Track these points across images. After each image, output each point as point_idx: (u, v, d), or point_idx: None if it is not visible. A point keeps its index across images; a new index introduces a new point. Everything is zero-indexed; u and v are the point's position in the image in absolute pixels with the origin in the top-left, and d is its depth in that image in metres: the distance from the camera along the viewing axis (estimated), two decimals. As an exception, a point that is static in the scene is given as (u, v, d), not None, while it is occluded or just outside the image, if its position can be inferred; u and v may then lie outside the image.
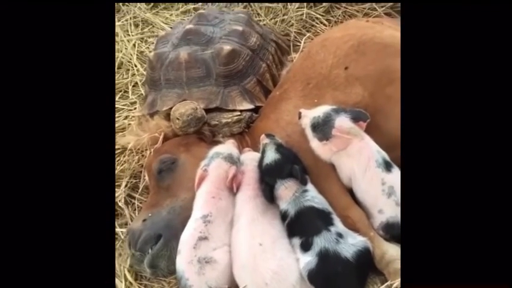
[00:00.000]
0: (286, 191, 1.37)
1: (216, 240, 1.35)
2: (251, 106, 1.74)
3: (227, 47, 1.76)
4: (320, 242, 1.26)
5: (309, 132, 1.46)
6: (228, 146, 1.55)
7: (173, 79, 1.77)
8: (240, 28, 1.88)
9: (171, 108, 1.69)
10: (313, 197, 1.36)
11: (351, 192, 1.43)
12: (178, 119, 1.62)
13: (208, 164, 1.48)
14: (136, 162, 1.75)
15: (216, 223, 1.37)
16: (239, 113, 1.70)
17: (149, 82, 1.86)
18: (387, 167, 1.36)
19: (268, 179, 1.40)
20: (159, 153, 1.61)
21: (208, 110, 1.71)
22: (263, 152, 1.45)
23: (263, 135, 1.51)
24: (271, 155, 1.42)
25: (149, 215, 1.47)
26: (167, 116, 1.73)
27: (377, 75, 1.51)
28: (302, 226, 1.32)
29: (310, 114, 1.46)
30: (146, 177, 1.65)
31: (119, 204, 1.65)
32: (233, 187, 1.43)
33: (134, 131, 1.74)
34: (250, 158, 1.51)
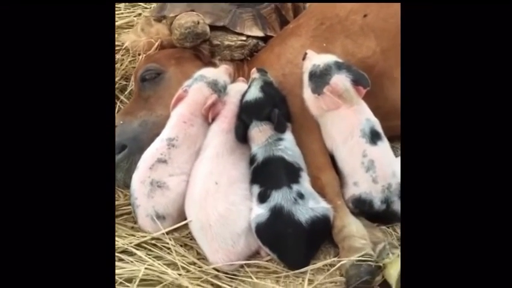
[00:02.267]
0: (259, 134, 1.25)
1: (175, 167, 1.26)
2: (261, 34, 1.58)
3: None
4: (277, 197, 1.16)
5: (305, 79, 1.31)
6: (218, 72, 1.41)
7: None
8: None
9: (177, 15, 1.55)
10: (287, 148, 1.23)
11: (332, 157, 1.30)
12: (176, 29, 1.49)
13: (189, 85, 1.36)
14: (129, 64, 1.66)
15: (180, 149, 1.28)
16: (245, 38, 1.55)
17: None
18: (373, 138, 1.22)
19: (244, 117, 1.28)
20: (149, 60, 1.50)
21: (213, 28, 1.55)
22: (248, 87, 1.32)
23: (254, 69, 1.37)
24: (254, 92, 1.29)
25: (121, 122, 1.39)
26: (170, 25, 1.61)
27: (395, 31, 1.31)
28: (265, 175, 1.21)
29: (313, 60, 1.30)
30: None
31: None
32: (208, 116, 1.32)
33: (137, 32, 1.63)
34: (236, 90, 1.38)
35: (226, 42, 1.54)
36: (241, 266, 1.19)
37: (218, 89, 1.36)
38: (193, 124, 1.31)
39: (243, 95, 1.31)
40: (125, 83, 1.65)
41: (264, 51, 1.54)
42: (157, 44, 1.55)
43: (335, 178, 1.26)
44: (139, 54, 1.64)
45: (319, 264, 1.18)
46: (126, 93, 1.62)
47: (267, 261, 1.21)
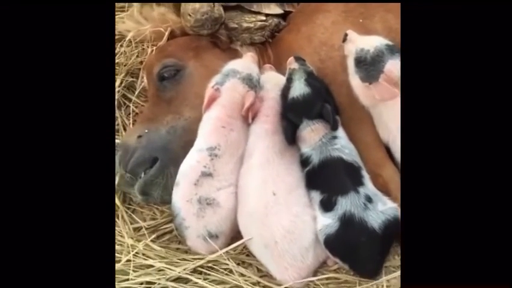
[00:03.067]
0: (312, 134, 1.14)
1: (221, 179, 1.14)
2: (280, 11, 1.42)
3: None
4: (346, 204, 1.06)
5: (351, 65, 1.17)
6: (249, 63, 1.26)
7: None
8: None
9: None
10: (344, 147, 1.13)
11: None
12: (190, 15, 1.31)
13: (221, 82, 1.21)
14: (136, 57, 1.47)
15: (223, 158, 1.15)
16: (264, 18, 1.39)
17: None
18: None
19: (291, 116, 1.15)
20: (163, 54, 1.33)
21: (227, 8, 1.38)
22: (290, 81, 1.18)
23: (291, 58, 1.22)
24: (299, 87, 1.15)
25: (146, 131, 1.23)
26: (177, 9, 1.43)
27: None
28: (326, 180, 1.11)
29: (359, 43, 1.17)
30: (145, 80, 1.39)
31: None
32: (249, 117, 1.19)
33: (135, 17, 1.43)
34: (273, 83, 1.24)
35: (245, 24, 1.38)
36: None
37: (253, 84, 1.22)
38: (233, 128, 1.18)
39: (285, 90, 1.18)
40: (132, 79, 1.46)
41: (288, 32, 1.38)
42: (167, 32, 1.37)
43: (396, 172, 1.16)
44: (142, 45, 1.46)
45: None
46: (137, 92, 1.44)
47: (335, 270, 1.13)
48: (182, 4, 1.34)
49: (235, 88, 1.20)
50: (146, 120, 1.27)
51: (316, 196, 1.11)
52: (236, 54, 1.35)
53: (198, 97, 1.24)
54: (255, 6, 1.40)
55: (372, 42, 1.16)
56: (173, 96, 1.28)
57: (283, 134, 1.16)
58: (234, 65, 1.24)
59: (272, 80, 1.25)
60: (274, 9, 1.42)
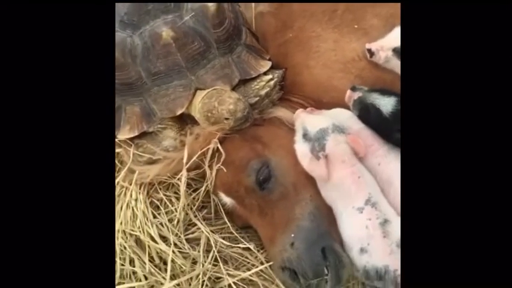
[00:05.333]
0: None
1: (392, 217, 1.16)
2: (269, 63, 1.43)
3: (210, 4, 1.34)
4: None
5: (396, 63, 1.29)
6: (313, 117, 1.27)
7: (165, 69, 1.30)
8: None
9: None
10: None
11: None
12: (228, 118, 1.24)
13: (321, 146, 1.19)
14: (188, 205, 1.29)
15: (380, 200, 1.18)
16: (270, 76, 1.39)
17: (121, 88, 1.31)
18: None
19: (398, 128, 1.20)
20: (239, 163, 1.24)
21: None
22: (371, 105, 1.23)
23: (348, 92, 1.27)
24: (385, 103, 1.21)
25: (292, 235, 1.18)
26: (176, 120, 1.33)
27: None
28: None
29: (388, 44, 1.28)
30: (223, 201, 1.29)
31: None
32: (362, 153, 1.21)
33: (163, 163, 1.28)
34: (346, 118, 1.28)
35: (263, 92, 1.36)
36: None
37: (344, 128, 1.24)
38: (363, 173, 1.20)
39: (375, 112, 1.23)
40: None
41: (297, 74, 1.39)
42: (217, 146, 1.26)
43: None
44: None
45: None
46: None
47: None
48: (202, 112, 1.26)
49: (338, 140, 1.20)
50: (280, 228, 1.17)
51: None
52: (278, 121, 1.35)
53: (302, 175, 1.21)
54: (252, 72, 1.38)
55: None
56: (283, 191, 1.21)
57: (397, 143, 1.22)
58: (312, 125, 1.23)
59: (344, 116, 1.29)
60: (266, 64, 1.41)
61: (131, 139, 1.34)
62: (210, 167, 1.26)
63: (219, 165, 1.24)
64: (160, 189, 1.29)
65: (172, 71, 1.31)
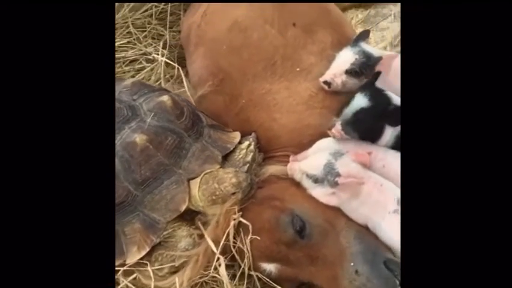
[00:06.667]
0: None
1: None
2: (238, 133, 1.45)
3: (164, 98, 1.34)
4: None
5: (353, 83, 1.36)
6: (310, 160, 1.28)
7: (151, 174, 1.24)
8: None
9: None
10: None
11: None
12: (235, 192, 1.22)
13: (335, 176, 1.21)
14: None
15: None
16: (247, 142, 1.40)
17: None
18: None
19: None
20: (266, 229, 1.20)
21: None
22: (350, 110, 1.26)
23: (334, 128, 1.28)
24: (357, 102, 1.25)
25: (352, 264, 1.14)
26: (180, 219, 1.27)
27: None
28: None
29: (339, 70, 1.36)
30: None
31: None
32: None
33: (189, 264, 1.20)
34: (331, 143, 1.31)
35: (249, 158, 1.36)
36: None
37: (339, 150, 1.27)
38: (381, 182, 1.23)
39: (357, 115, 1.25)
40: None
41: (267, 131, 1.42)
42: (237, 216, 1.22)
43: None
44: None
45: None
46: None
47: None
48: (209, 198, 1.23)
49: (346, 163, 1.23)
50: (336, 264, 1.14)
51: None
52: (274, 177, 1.36)
53: (328, 212, 1.22)
54: (228, 146, 1.39)
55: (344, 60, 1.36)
56: (319, 230, 1.19)
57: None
58: (312, 171, 1.25)
59: (326, 146, 1.31)
60: (236, 135, 1.44)
61: (141, 259, 1.24)
62: (241, 243, 1.20)
63: (250, 236, 1.18)
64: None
65: (158, 173, 1.26)
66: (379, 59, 1.36)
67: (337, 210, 1.23)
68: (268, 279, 1.20)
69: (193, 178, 1.28)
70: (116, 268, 1.22)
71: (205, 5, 1.66)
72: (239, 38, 1.50)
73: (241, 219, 1.21)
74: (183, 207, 1.24)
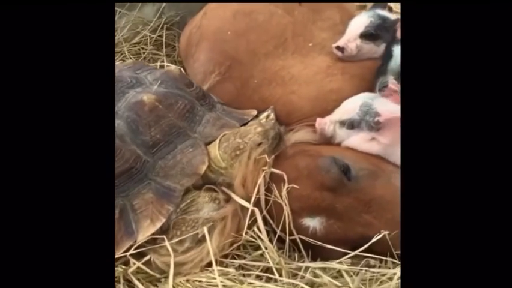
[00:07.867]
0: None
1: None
2: (253, 110, 1.29)
3: (171, 68, 1.22)
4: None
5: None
6: (342, 107, 1.15)
7: (162, 136, 1.07)
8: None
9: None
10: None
11: None
12: (261, 142, 1.05)
13: (372, 114, 1.07)
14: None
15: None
16: (266, 113, 1.23)
17: (118, 182, 1.00)
18: None
19: None
20: (305, 176, 1.01)
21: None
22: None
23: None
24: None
25: None
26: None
27: None
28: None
29: (353, 34, 1.27)
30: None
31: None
32: None
33: (216, 227, 1.00)
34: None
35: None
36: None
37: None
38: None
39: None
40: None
41: (286, 105, 1.26)
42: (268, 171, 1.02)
43: None
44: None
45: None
46: None
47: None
48: (233, 154, 1.05)
49: (383, 102, 1.10)
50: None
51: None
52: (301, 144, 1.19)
53: (368, 156, 1.07)
54: (245, 117, 1.24)
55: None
56: (367, 173, 1.01)
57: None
58: (346, 115, 1.12)
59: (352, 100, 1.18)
60: (251, 110, 1.29)
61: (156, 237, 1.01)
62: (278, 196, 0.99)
63: (286, 186, 0.99)
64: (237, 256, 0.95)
65: (170, 136, 1.08)
66: (396, 21, 1.28)
67: (381, 158, 1.07)
68: (313, 241, 0.98)
69: (210, 143, 1.11)
70: (123, 254, 0.98)
71: (203, 9, 1.62)
72: (244, 22, 1.43)
73: (273, 169, 1.02)
74: (203, 169, 1.05)
